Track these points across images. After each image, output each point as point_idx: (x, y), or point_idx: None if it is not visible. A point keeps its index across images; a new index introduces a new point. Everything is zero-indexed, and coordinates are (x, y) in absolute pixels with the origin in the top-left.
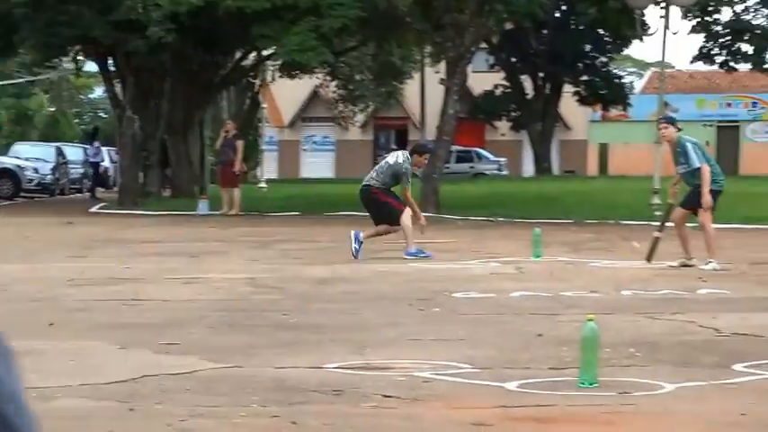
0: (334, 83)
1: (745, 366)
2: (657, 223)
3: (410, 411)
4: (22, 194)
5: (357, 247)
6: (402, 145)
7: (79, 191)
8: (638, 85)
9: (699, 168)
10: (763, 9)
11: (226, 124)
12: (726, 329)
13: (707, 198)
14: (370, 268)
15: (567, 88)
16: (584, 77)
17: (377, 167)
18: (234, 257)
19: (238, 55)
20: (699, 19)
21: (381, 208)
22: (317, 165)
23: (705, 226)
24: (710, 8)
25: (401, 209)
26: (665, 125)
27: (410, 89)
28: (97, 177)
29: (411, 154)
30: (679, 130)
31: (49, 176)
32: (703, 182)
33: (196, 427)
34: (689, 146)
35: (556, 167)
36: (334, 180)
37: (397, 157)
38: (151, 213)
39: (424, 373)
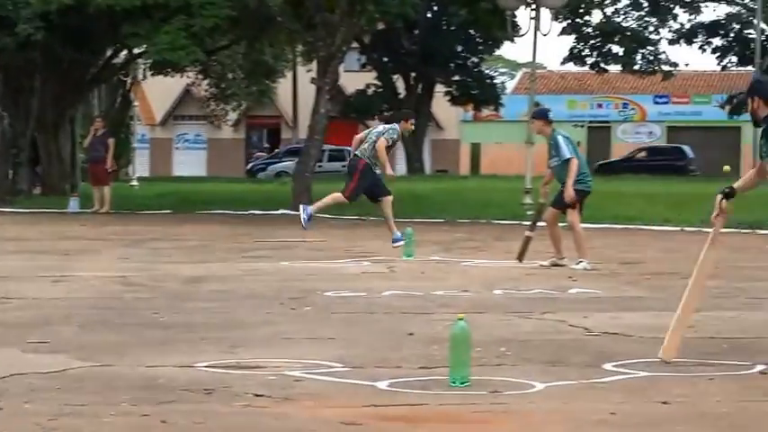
0: (206, 81)
1: (614, 365)
2: (529, 223)
3: (281, 410)
4: None
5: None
6: (275, 144)
7: None
8: (510, 85)
9: (569, 160)
10: (633, 11)
11: (95, 122)
12: (596, 329)
13: (569, 191)
14: (242, 267)
15: (439, 88)
16: (456, 77)
17: (367, 138)
18: (105, 256)
19: (109, 53)
20: (569, 21)
21: (349, 178)
22: (190, 163)
23: (574, 226)
24: (581, 10)
25: (349, 193)
26: (533, 121)
27: (283, 88)
28: None
29: (397, 122)
30: (551, 121)
31: None
32: (569, 174)
33: (65, 426)
34: (560, 138)
35: (428, 167)
36: (206, 178)
37: (383, 125)
38: (21, 211)
39: (295, 372)
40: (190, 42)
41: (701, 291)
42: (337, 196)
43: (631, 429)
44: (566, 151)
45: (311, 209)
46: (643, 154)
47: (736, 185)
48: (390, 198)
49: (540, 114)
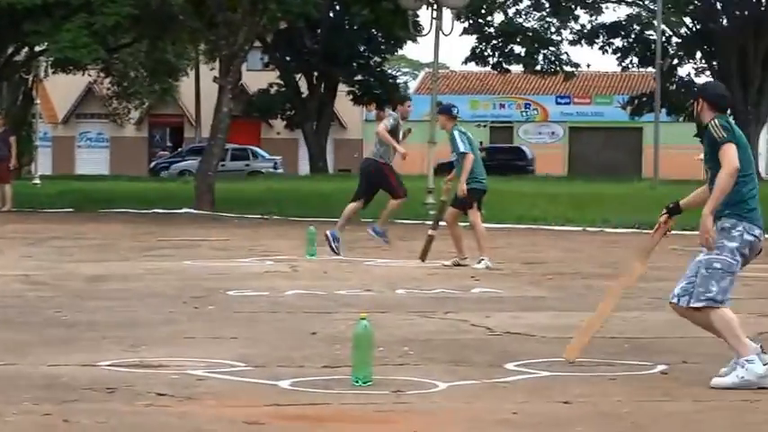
0: (108, 79)
1: (516, 365)
2: (431, 222)
3: (184, 409)
4: None
5: (336, 245)
6: (178, 143)
7: None
8: (413, 85)
9: (463, 154)
10: (535, 12)
11: None
12: (498, 328)
13: (461, 186)
14: (145, 266)
15: (342, 87)
16: (359, 77)
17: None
18: (7, 254)
19: (10, 50)
20: (471, 21)
21: (382, 182)
22: (92, 161)
23: (475, 224)
24: (483, 11)
25: (400, 192)
26: (438, 116)
27: (185, 87)
28: None
29: (394, 108)
30: (454, 117)
31: None
32: (463, 169)
33: None
34: (456, 134)
35: (331, 166)
36: (108, 177)
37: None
38: None
39: (197, 371)
40: (91, 40)
41: (619, 297)
42: (394, 203)
43: (533, 429)
44: (459, 146)
45: (378, 226)
46: (483, 154)
47: (683, 202)
48: (360, 207)
49: (444, 110)
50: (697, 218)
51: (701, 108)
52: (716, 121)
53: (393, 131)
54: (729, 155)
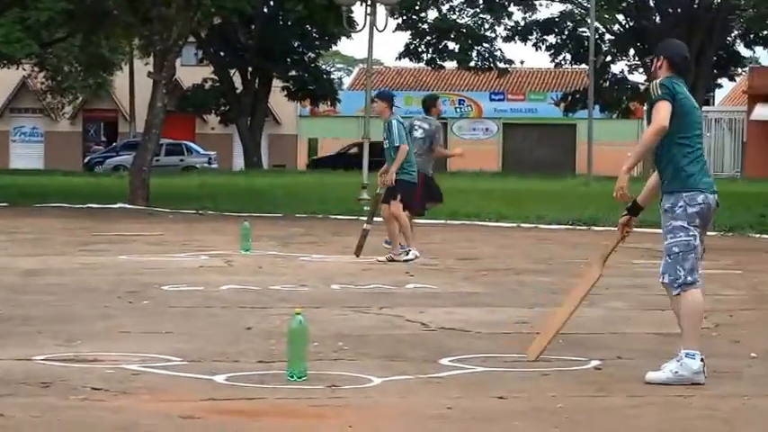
0: (42, 74)
1: (451, 360)
2: (366, 217)
3: (119, 404)
4: None
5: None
6: (112, 137)
7: None
8: (347, 81)
9: (398, 147)
10: (469, 9)
11: None
12: (433, 324)
13: (391, 176)
14: (80, 260)
15: (277, 83)
16: (293, 73)
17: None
18: None
19: None
20: (405, 17)
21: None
22: (27, 156)
23: (398, 216)
24: (417, 7)
25: (412, 208)
26: (376, 101)
27: (120, 81)
28: None
29: (428, 111)
30: (392, 106)
31: None
32: (396, 160)
33: None
34: (394, 123)
35: (266, 161)
36: (43, 171)
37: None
38: None
39: (133, 365)
40: (25, 35)
41: (580, 302)
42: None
43: (468, 424)
44: (396, 138)
45: (411, 249)
46: (355, 150)
47: (640, 198)
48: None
49: (385, 96)
50: (654, 214)
51: (660, 65)
52: (658, 81)
53: (434, 141)
54: (660, 113)
